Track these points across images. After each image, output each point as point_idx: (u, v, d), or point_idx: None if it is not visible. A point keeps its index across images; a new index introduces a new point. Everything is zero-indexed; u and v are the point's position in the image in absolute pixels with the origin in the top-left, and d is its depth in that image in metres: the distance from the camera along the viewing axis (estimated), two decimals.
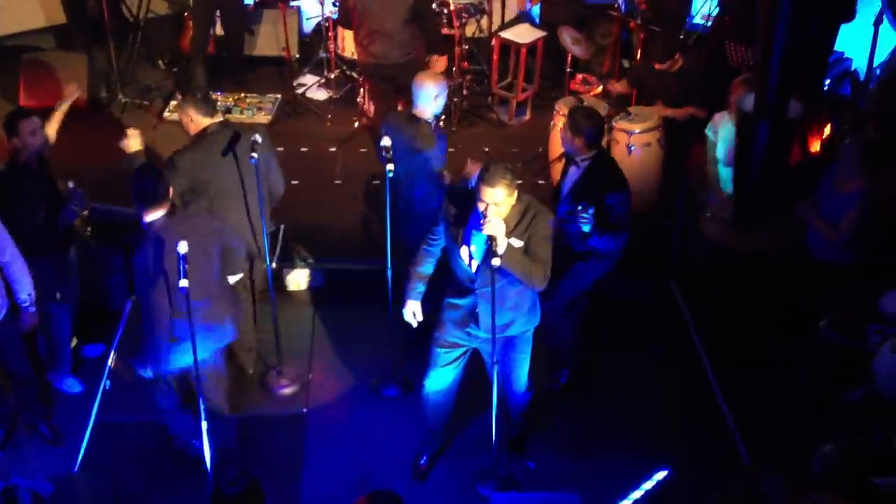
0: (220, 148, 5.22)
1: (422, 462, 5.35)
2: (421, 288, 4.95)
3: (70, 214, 5.34)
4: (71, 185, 5.34)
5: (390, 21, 6.84)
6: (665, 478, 5.15)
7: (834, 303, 5.67)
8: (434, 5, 7.69)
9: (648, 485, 5.10)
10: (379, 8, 6.85)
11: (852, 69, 7.82)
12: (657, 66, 6.97)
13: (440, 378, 5.03)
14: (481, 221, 4.35)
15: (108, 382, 5.79)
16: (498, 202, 4.35)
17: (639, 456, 5.34)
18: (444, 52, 7.46)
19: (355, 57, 8.56)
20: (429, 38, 7.19)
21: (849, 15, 6.94)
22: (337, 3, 8.49)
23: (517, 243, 4.48)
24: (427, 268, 4.90)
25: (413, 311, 5.00)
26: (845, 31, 7.01)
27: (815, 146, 7.22)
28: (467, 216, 4.57)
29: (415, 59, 7.04)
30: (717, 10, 7.98)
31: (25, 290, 5.03)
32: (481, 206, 4.38)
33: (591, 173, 5.33)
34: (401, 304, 5.04)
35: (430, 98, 5.49)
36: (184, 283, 4.23)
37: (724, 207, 6.55)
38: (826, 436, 4.62)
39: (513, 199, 4.44)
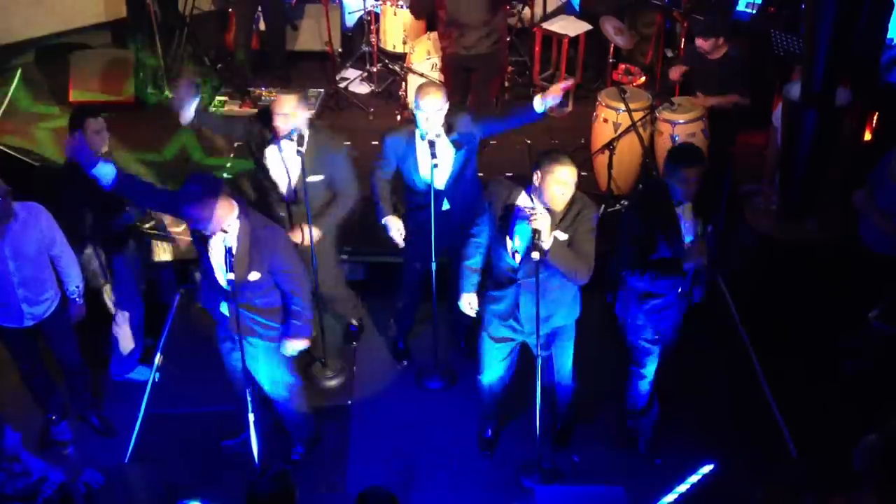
0: None
1: (487, 434, 5.39)
2: (475, 279, 4.92)
3: (127, 218, 5.44)
4: None
5: (479, 12, 6.90)
6: (711, 471, 5.11)
7: (884, 294, 5.58)
8: None
9: (694, 478, 5.06)
10: (467, 1, 6.88)
11: None
12: (698, 41, 6.84)
13: (494, 371, 5.05)
14: (530, 214, 4.32)
15: (156, 375, 5.88)
16: (570, 183, 4.34)
17: (685, 449, 5.31)
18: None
19: (396, 50, 8.65)
20: None
21: None
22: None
23: (562, 236, 4.45)
24: (477, 259, 4.86)
25: (469, 303, 4.98)
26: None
27: (866, 134, 7.11)
28: (513, 207, 4.53)
29: (500, 48, 7.15)
30: None
31: (74, 281, 5.13)
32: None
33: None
34: (456, 296, 5.04)
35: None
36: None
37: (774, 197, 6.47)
38: (872, 427, 4.54)
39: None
